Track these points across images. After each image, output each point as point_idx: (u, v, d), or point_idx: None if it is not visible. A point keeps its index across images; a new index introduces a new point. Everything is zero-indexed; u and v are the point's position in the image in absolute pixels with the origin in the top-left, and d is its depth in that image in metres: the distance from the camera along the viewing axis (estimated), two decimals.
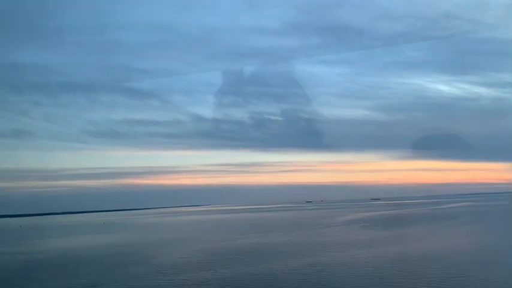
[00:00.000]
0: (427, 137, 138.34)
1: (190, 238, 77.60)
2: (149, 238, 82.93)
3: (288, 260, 43.98)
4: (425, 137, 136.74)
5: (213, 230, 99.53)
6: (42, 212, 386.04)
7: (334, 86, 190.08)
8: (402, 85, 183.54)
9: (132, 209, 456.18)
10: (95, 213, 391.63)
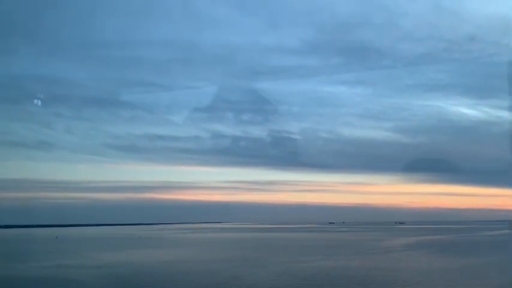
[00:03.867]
0: (448, 161, 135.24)
1: (250, 258, 75.75)
2: (206, 255, 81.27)
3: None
4: (445, 161, 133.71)
5: (261, 250, 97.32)
6: (63, 224, 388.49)
7: (354, 106, 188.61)
8: (424, 107, 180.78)
9: (151, 223, 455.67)
10: (115, 226, 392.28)
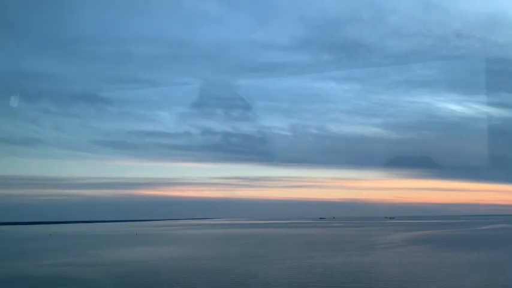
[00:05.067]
0: (436, 157, 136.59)
1: (256, 254, 74.89)
2: (210, 252, 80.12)
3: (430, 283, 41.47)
4: (433, 156, 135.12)
5: (263, 246, 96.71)
6: (53, 221, 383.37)
7: (343, 102, 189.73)
8: (412, 104, 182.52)
9: (142, 220, 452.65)
10: (107, 223, 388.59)
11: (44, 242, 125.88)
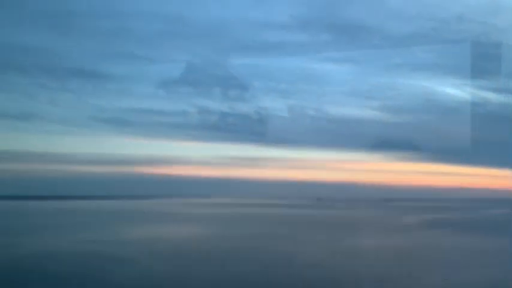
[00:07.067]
0: (432, 140, 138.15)
1: (281, 235, 75.40)
2: (234, 232, 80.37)
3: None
4: (430, 140, 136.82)
5: (282, 226, 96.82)
6: (53, 195, 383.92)
7: (341, 84, 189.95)
8: (411, 87, 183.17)
9: (142, 196, 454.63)
10: (107, 200, 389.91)
11: (58, 217, 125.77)
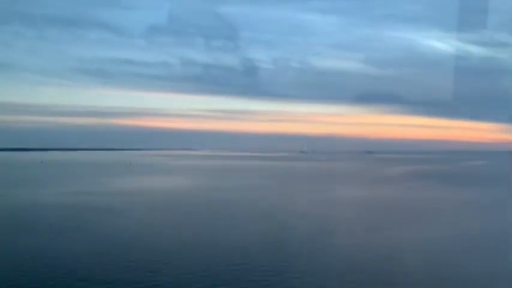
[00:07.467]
0: (414, 93, 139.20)
1: (273, 186, 75.16)
2: (226, 183, 79.12)
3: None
4: (412, 93, 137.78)
5: (273, 178, 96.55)
6: (31, 148, 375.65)
7: (327, 35, 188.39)
8: (395, 39, 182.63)
9: (123, 149, 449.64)
10: (88, 151, 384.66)
11: (40, 169, 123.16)
